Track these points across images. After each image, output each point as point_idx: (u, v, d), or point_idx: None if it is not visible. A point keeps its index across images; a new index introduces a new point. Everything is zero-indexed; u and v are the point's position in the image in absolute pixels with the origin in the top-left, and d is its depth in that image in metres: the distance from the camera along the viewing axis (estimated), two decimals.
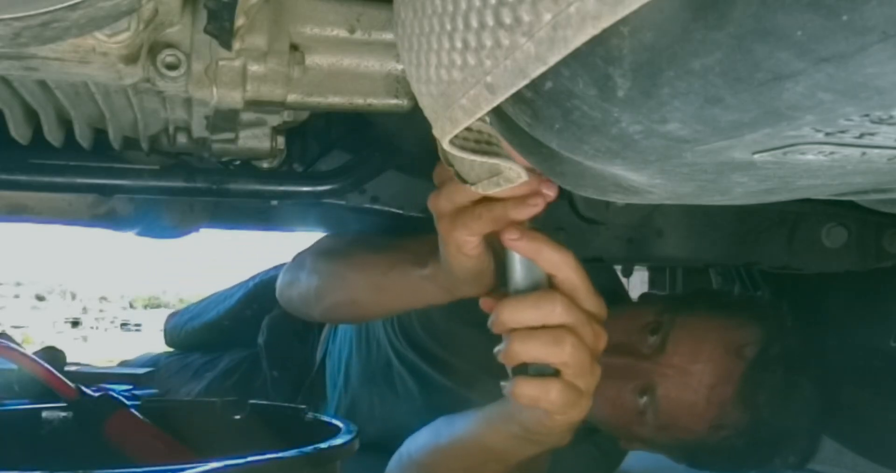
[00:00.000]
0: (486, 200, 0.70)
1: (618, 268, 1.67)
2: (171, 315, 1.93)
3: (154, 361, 1.80)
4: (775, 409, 0.99)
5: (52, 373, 0.85)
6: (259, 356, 1.62)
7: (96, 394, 0.87)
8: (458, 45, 0.33)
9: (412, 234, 0.98)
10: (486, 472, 0.87)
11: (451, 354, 1.31)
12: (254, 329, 1.65)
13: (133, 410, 0.88)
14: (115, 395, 0.89)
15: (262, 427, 0.90)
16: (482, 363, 1.22)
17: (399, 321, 1.37)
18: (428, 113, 0.41)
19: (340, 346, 1.53)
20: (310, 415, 0.88)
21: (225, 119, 0.70)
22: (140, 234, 1.11)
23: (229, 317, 1.76)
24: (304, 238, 1.27)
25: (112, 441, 0.86)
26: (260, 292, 1.72)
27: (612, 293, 1.27)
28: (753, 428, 0.99)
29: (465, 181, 0.63)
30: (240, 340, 1.70)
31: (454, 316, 1.29)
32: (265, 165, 0.79)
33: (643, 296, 1.34)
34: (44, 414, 0.88)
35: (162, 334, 1.91)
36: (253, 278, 1.81)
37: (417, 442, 0.96)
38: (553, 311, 0.70)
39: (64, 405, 0.88)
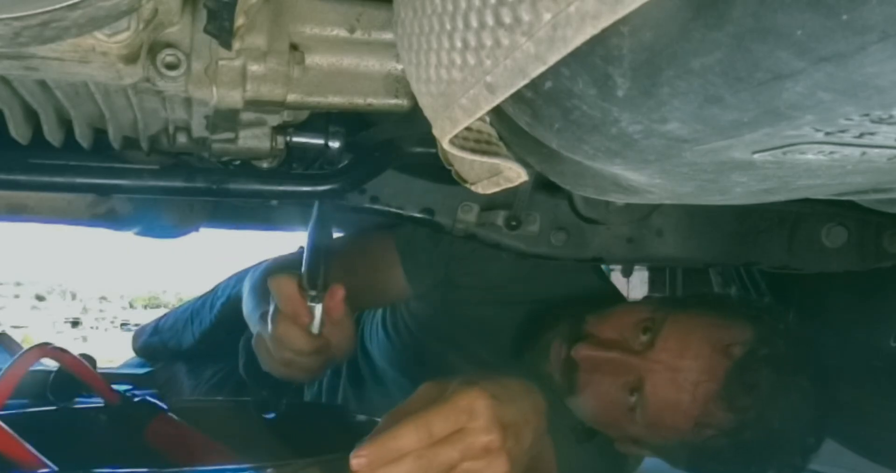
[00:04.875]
0: None
1: (618, 268, 1.67)
2: (138, 334, 1.89)
3: (143, 363, 1.80)
4: (760, 412, 0.98)
5: (97, 378, 0.86)
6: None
7: (136, 400, 0.89)
8: (458, 44, 0.33)
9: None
10: None
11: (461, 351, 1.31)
12: (233, 346, 1.62)
13: (171, 414, 0.89)
14: (154, 400, 0.90)
15: (301, 428, 0.90)
16: (479, 358, 1.22)
17: (396, 329, 1.36)
18: (428, 113, 0.41)
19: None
20: (361, 417, 0.87)
21: (225, 119, 0.70)
22: (140, 234, 1.11)
23: (206, 341, 1.74)
24: (304, 238, 1.27)
25: (153, 445, 0.87)
26: (227, 315, 1.68)
27: (602, 293, 1.27)
28: (738, 430, 0.98)
29: (464, 181, 0.63)
30: (223, 354, 1.67)
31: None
32: (265, 165, 0.79)
33: (644, 298, 1.33)
34: (87, 416, 0.89)
35: (133, 350, 1.88)
36: (214, 292, 1.77)
37: None
38: None
39: (105, 407, 0.90)
